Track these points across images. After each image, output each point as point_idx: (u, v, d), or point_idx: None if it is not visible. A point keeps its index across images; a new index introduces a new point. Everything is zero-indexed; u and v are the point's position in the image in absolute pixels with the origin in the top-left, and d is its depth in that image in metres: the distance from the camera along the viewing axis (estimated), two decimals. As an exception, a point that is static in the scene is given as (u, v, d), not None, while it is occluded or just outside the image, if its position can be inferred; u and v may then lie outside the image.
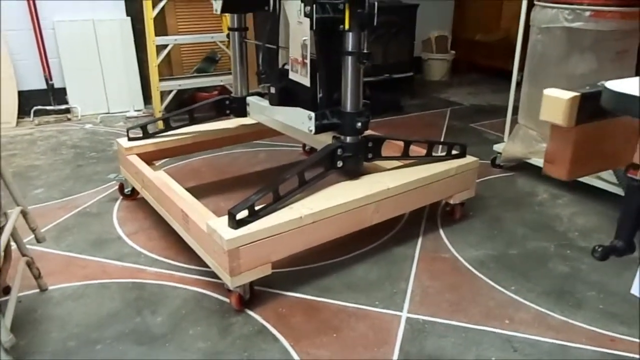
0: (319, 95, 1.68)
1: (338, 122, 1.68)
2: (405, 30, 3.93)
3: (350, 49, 1.58)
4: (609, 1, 2.07)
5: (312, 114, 1.66)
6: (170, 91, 3.42)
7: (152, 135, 2.20)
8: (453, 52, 4.91)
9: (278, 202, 1.54)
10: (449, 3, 5.18)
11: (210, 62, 3.81)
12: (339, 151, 1.68)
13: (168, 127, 2.23)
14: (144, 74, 3.72)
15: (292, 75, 1.71)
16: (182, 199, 1.73)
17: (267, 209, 1.51)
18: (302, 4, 1.54)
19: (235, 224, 1.42)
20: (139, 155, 2.12)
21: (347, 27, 1.53)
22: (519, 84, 2.58)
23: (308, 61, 1.59)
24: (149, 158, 2.16)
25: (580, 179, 2.29)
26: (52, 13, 3.42)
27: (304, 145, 2.85)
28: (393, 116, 3.66)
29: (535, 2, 2.32)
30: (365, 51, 1.57)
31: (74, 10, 3.47)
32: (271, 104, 1.85)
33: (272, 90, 1.79)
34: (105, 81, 3.65)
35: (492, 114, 3.70)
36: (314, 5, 1.51)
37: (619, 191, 2.15)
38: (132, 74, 3.71)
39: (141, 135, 2.18)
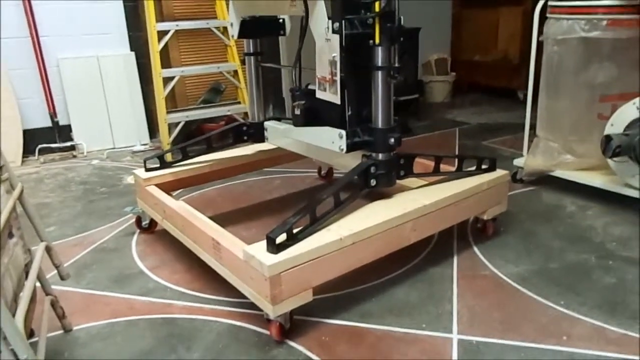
0: (348, 113, 1.63)
1: (369, 140, 1.63)
2: (409, 53, 3.95)
3: (380, 64, 1.54)
4: (625, 9, 2.07)
5: (343, 132, 1.61)
6: (177, 124, 3.38)
7: (170, 165, 2.14)
8: (453, 73, 4.95)
9: (315, 224, 1.47)
10: (446, 26, 5.25)
11: (215, 92, 3.79)
12: (372, 169, 1.62)
13: (185, 157, 2.17)
14: (149, 107, 3.70)
15: (319, 94, 1.66)
16: (210, 226, 1.66)
17: (305, 232, 1.44)
18: (330, 21, 1.51)
19: (275, 248, 1.35)
20: (157, 185, 2.05)
21: (377, 41, 1.50)
22: (523, 101, 2.55)
23: (338, 78, 1.55)
24: (167, 188, 2.09)
25: (607, 188, 2.25)
26: (57, 50, 3.40)
27: (319, 170, 2.80)
28: (403, 138, 3.62)
29: (549, 15, 2.32)
30: (396, 65, 1.53)
31: (78, 47, 3.45)
32: (295, 125, 1.80)
33: (297, 111, 1.74)
34: (110, 116, 3.61)
35: (502, 131, 3.68)
36: (343, 22, 1.48)
37: (651, 199, 2.11)
38: (137, 108, 3.67)
39: (158, 165, 2.12)
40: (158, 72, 3.19)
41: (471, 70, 5.07)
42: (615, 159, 2.06)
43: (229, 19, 2.04)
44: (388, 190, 1.73)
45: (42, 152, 3.44)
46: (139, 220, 2.20)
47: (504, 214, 2.06)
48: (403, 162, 1.71)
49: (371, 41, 1.52)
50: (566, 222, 2.15)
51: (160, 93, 3.22)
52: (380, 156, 1.64)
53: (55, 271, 1.48)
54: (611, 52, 2.19)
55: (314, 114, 1.75)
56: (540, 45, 2.42)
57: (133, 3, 3.55)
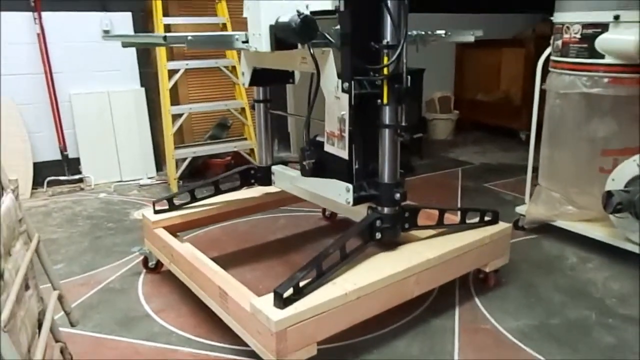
0: (355, 167, 1.68)
1: (376, 194, 1.68)
2: (414, 94, 4.03)
3: (387, 122, 1.60)
4: (626, 68, 2.13)
5: (350, 186, 1.65)
6: (185, 159, 3.43)
7: (178, 207, 2.18)
8: (457, 111, 5.02)
9: (322, 277, 1.50)
10: (450, 64, 5.35)
11: (222, 128, 3.86)
12: (378, 223, 1.66)
13: (193, 199, 2.21)
14: (157, 141, 3.76)
15: (327, 148, 1.71)
16: (217, 274, 1.69)
17: (311, 286, 1.47)
18: (340, 80, 1.57)
19: (282, 303, 1.38)
20: (165, 228, 2.09)
21: (385, 102, 1.56)
22: (525, 142, 2.60)
23: (347, 134, 1.60)
24: (175, 230, 2.13)
25: (608, 241, 2.28)
26: (69, 86, 3.48)
27: (324, 211, 2.84)
28: (406, 177, 3.66)
29: (551, 69, 2.39)
30: (403, 124, 1.59)
31: (90, 83, 3.53)
32: (303, 175, 1.85)
33: (305, 162, 1.79)
34: (118, 150, 3.66)
35: (504, 173, 3.72)
36: (352, 82, 1.54)
37: (651, 253, 2.13)
38: (145, 141, 3.73)
39: (167, 207, 2.16)
40: (167, 110, 3.26)
41: (474, 108, 5.15)
42: (616, 214, 2.10)
43: (241, 68, 2.10)
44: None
45: (51, 184, 3.48)
46: (145, 261, 2.22)
47: (506, 263, 2.09)
48: (408, 215, 1.75)
49: (379, 100, 1.57)
50: (567, 275, 2.18)
51: (169, 129, 3.29)
52: (386, 210, 1.68)
53: (63, 312, 1.50)
54: (612, 107, 2.25)
55: (322, 165, 1.80)
56: (542, 93, 2.48)
57: (146, 41, 3.64)
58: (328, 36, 1.44)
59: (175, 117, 3.39)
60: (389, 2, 1.46)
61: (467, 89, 5.23)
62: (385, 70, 1.51)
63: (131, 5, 3.58)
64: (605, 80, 2.17)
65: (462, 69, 5.34)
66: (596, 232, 2.34)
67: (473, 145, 4.72)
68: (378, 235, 1.67)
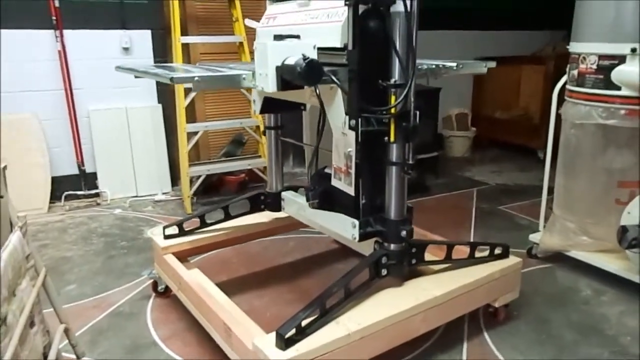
0: (362, 202, 1.67)
1: (382, 230, 1.67)
2: (429, 112, 4.00)
3: (394, 160, 1.59)
4: (643, 100, 2.08)
5: (356, 222, 1.65)
6: (199, 176, 3.47)
7: (188, 233, 2.20)
8: (474, 129, 4.98)
9: (325, 316, 1.49)
10: (468, 81, 5.30)
11: (237, 144, 3.89)
12: (384, 259, 1.65)
13: (203, 225, 2.23)
14: (173, 157, 3.79)
15: (334, 183, 1.71)
16: (222, 308, 1.69)
17: (314, 326, 1.46)
18: (347, 117, 1.57)
19: (284, 344, 1.37)
20: (174, 254, 2.11)
21: (392, 139, 1.55)
22: (542, 161, 2.56)
23: (353, 171, 1.60)
24: (184, 255, 2.15)
25: (623, 275, 2.23)
26: (88, 102, 3.55)
27: (335, 234, 2.83)
28: (420, 197, 3.65)
29: (567, 98, 2.35)
30: (410, 162, 1.58)
31: (109, 99, 3.59)
32: (311, 207, 1.85)
33: (310, 202, 1.79)
34: (135, 165, 3.71)
35: (520, 195, 3.67)
36: (360, 119, 1.53)
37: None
38: (161, 157, 3.78)
39: (177, 232, 2.18)
40: (183, 128, 3.29)
41: (491, 126, 5.09)
42: (631, 250, 2.05)
43: (252, 96, 2.11)
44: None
45: (68, 198, 3.55)
46: (155, 285, 2.25)
47: (516, 297, 2.05)
48: (415, 251, 1.73)
49: (386, 138, 1.57)
50: (580, 309, 2.13)
51: (184, 147, 3.32)
52: (392, 246, 1.67)
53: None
54: (629, 139, 2.20)
55: (329, 198, 1.79)
56: (559, 117, 2.43)
57: (163, 59, 3.69)
58: (334, 78, 1.44)
59: (192, 135, 3.43)
60: (397, 44, 1.45)
61: (485, 106, 5.18)
62: (393, 109, 1.50)
63: (150, 23, 3.64)
64: (622, 112, 2.13)
65: (480, 86, 5.29)
66: (611, 264, 2.29)
67: (490, 163, 4.66)
68: (384, 272, 1.66)
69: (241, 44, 3.51)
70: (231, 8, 3.51)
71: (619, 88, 2.12)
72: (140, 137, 3.70)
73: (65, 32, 3.40)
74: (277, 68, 1.37)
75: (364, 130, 1.55)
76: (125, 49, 3.59)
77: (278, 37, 1.47)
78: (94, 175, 3.64)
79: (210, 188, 3.73)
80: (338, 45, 1.55)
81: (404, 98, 1.48)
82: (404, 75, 1.49)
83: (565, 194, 2.45)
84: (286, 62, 1.34)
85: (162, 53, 3.69)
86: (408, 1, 1.41)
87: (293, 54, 1.37)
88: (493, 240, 2.82)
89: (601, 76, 2.16)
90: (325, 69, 1.54)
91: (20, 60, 3.33)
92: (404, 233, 1.64)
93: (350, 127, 1.56)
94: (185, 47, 3.56)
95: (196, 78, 1.33)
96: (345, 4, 1.45)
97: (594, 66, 2.18)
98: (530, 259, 2.58)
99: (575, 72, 2.28)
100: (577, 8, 2.28)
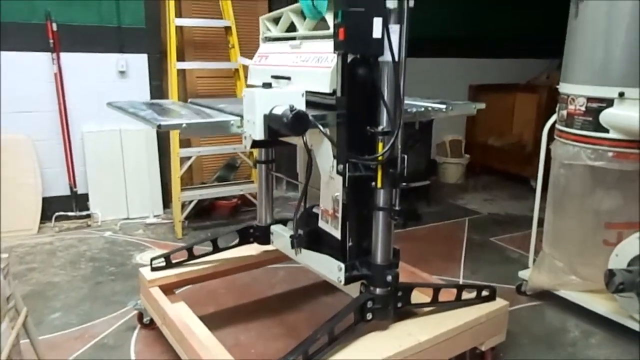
0: (349, 244, 1.67)
1: (368, 274, 1.66)
2: (422, 141, 4.03)
3: (381, 205, 1.59)
4: (631, 144, 2.10)
5: (342, 266, 1.64)
6: (192, 200, 3.46)
7: (176, 265, 2.19)
8: (467, 155, 4.99)
9: (307, 364, 1.48)
10: (462, 108, 5.33)
11: (230, 169, 3.89)
12: (369, 304, 1.64)
13: (191, 257, 2.22)
14: (166, 179, 3.79)
15: (322, 224, 1.71)
16: (205, 347, 1.68)
17: (296, 373, 1.45)
18: (335, 161, 1.58)
19: (264, 393, 1.36)
20: (161, 287, 2.09)
21: (379, 185, 1.56)
22: (533, 191, 2.57)
23: (340, 215, 1.60)
24: (170, 288, 2.14)
25: (611, 317, 2.23)
26: (82, 123, 3.55)
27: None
28: (412, 227, 3.64)
29: (556, 138, 2.37)
30: (396, 208, 1.58)
31: (103, 121, 3.60)
32: (296, 254, 1.84)
33: (300, 232, 1.79)
34: (127, 187, 3.71)
35: (512, 226, 3.68)
36: (347, 164, 1.54)
37: (656, 335, 2.07)
38: (154, 179, 3.77)
39: (164, 264, 2.17)
40: (176, 153, 3.30)
41: (485, 153, 5.12)
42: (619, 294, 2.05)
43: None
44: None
45: (59, 219, 3.53)
46: (140, 316, 2.23)
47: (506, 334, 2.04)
48: (401, 295, 1.72)
49: (373, 183, 1.57)
50: (567, 352, 2.12)
51: (177, 172, 3.32)
52: (378, 291, 1.66)
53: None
54: (617, 181, 2.21)
55: (316, 238, 1.79)
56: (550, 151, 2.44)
57: (158, 82, 3.71)
58: (321, 128, 1.45)
59: (185, 158, 3.43)
60: (385, 94, 1.47)
61: (478, 133, 5.21)
62: (380, 157, 1.51)
63: (147, 48, 3.67)
64: (610, 154, 2.14)
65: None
66: (600, 305, 2.29)
67: (483, 191, 4.68)
68: (369, 316, 1.65)
69: (237, 70, 3.54)
70: (227, 35, 3.54)
71: (607, 130, 2.14)
72: (134, 159, 3.69)
73: (62, 54, 3.42)
74: (265, 116, 1.38)
75: (352, 176, 1.55)
76: (122, 73, 3.61)
77: (266, 85, 1.47)
78: (85, 197, 3.63)
79: (202, 212, 3.72)
80: (327, 90, 1.56)
81: (391, 146, 1.48)
82: (391, 123, 1.50)
83: (555, 232, 2.45)
84: (273, 112, 1.35)
85: (158, 77, 3.72)
86: (396, 52, 1.43)
87: (281, 102, 1.38)
88: (483, 274, 2.86)
89: (590, 118, 2.18)
90: (314, 113, 1.56)
91: (16, 82, 3.34)
92: (389, 278, 1.64)
93: (338, 172, 1.56)
94: (182, 70, 3.58)
95: (184, 125, 1.33)
96: (335, 52, 1.46)
97: (583, 108, 2.20)
98: (520, 296, 2.58)
99: (564, 112, 2.31)
100: (567, 50, 2.31)
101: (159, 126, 1.34)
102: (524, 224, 3.60)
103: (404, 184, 1.58)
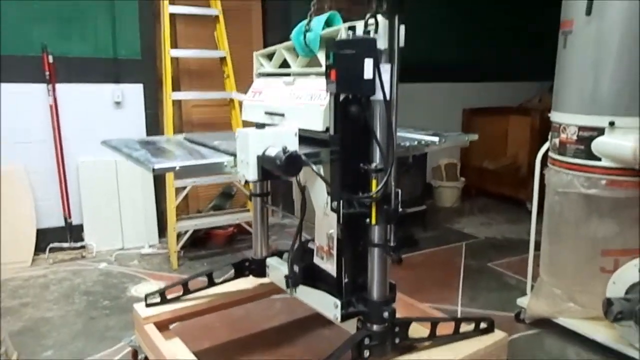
0: (345, 281, 1.66)
1: (364, 310, 1.65)
2: (418, 165, 4.04)
3: (376, 241, 1.58)
4: (624, 172, 2.11)
5: (338, 302, 1.63)
6: (187, 231, 3.45)
7: (170, 301, 2.16)
8: (463, 179, 5.01)
9: (304, 405, 1.46)
10: (457, 131, 5.36)
11: (226, 197, 3.88)
12: (366, 340, 1.62)
13: (186, 292, 2.20)
14: (161, 208, 3.78)
15: (317, 261, 1.71)
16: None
17: (292, 416, 1.43)
18: (329, 198, 1.58)
19: None
20: (156, 323, 2.07)
21: (373, 222, 1.55)
22: (529, 214, 2.57)
23: (335, 252, 1.59)
24: (166, 324, 2.11)
25: (610, 345, 2.21)
26: (77, 154, 3.55)
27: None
28: (409, 253, 3.63)
29: (550, 165, 2.38)
30: (391, 244, 1.57)
31: (99, 151, 3.57)
32: (290, 293, 1.83)
33: (295, 270, 1.78)
34: (122, 217, 3.69)
35: (509, 251, 3.67)
36: (341, 201, 1.54)
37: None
38: (150, 209, 3.76)
39: (159, 300, 2.15)
40: (171, 183, 3.30)
41: (480, 176, 5.14)
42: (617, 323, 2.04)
43: (238, 164, 2.12)
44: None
45: (53, 250, 3.50)
46: (135, 353, 2.19)
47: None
48: (398, 330, 1.71)
49: (368, 220, 1.57)
50: (567, 384, 2.10)
51: (172, 202, 3.32)
52: (375, 327, 1.64)
53: None
54: (612, 208, 2.21)
55: (311, 274, 1.78)
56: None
57: (153, 111, 3.73)
58: (314, 168, 1.46)
59: (180, 190, 3.42)
60: (377, 132, 1.48)
61: (473, 156, 5.23)
62: (375, 194, 1.51)
63: (143, 78, 3.69)
64: (603, 182, 2.15)
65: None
66: (599, 334, 2.27)
67: (479, 214, 4.68)
68: (367, 354, 1.63)
69: (232, 99, 3.56)
70: (223, 65, 3.57)
71: (599, 159, 2.16)
72: (129, 189, 3.69)
73: (58, 85, 3.44)
74: (258, 157, 1.38)
75: (346, 213, 1.55)
76: (117, 103, 3.62)
77: (260, 126, 1.48)
78: (80, 227, 3.60)
79: (198, 241, 3.70)
80: (320, 128, 1.57)
81: (385, 184, 1.48)
82: (384, 160, 1.51)
83: (551, 260, 2.45)
84: (267, 153, 1.36)
85: (153, 106, 3.74)
86: (387, 91, 1.44)
87: (274, 142, 1.39)
88: (481, 302, 2.84)
89: (582, 146, 2.20)
90: (308, 150, 1.57)
91: (11, 113, 3.34)
92: (386, 314, 1.63)
93: (332, 209, 1.56)
94: (177, 99, 3.59)
95: (177, 168, 1.34)
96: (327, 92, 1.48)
97: (574, 136, 2.22)
98: (518, 324, 2.56)
99: (556, 140, 2.32)
100: (557, 79, 2.34)
101: (153, 169, 1.34)
102: (521, 248, 3.59)
103: (400, 210, 1.58)
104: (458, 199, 4.98)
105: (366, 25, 1.46)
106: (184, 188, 3.45)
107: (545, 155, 2.46)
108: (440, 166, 4.99)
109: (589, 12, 2.07)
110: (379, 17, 1.44)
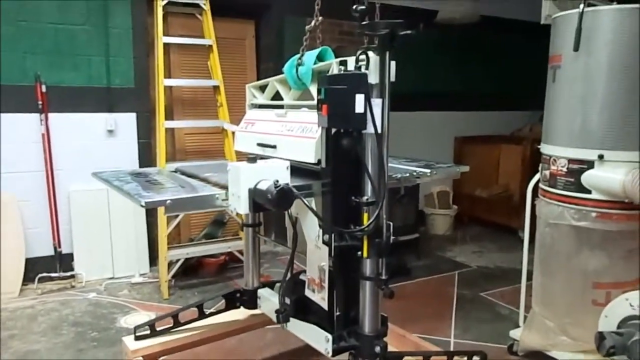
0: (336, 314, 1.65)
1: (356, 345, 1.63)
2: (410, 194, 4.06)
3: (368, 274, 1.58)
4: (614, 204, 2.13)
5: (330, 337, 1.62)
6: (178, 260, 3.41)
7: (160, 333, 2.13)
8: (455, 206, 5.02)
9: None
10: (449, 159, 5.41)
11: (218, 225, 3.87)
12: (358, 376, 1.60)
13: (176, 324, 2.17)
14: (152, 235, 3.75)
15: (308, 294, 1.69)
16: None
17: None
18: (321, 231, 1.58)
19: None
20: (145, 356, 2.03)
21: (365, 255, 1.55)
22: (521, 242, 2.57)
23: (326, 285, 1.58)
24: (155, 357, 2.08)
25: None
26: (69, 183, 3.54)
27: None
28: (401, 282, 3.60)
29: (541, 197, 2.40)
30: (383, 277, 1.57)
31: (91, 180, 3.56)
32: (284, 322, 1.81)
33: (286, 305, 1.76)
34: (112, 246, 3.65)
35: (501, 280, 3.65)
36: (333, 235, 1.54)
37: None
38: (141, 238, 3.73)
39: (148, 332, 2.12)
40: (162, 211, 3.27)
41: (473, 204, 5.16)
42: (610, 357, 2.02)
43: (230, 195, 2.12)
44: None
45: (42, 280, 3.45)
46: (123, 388, 2.15)
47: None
48: (390, 365, 1.69)
49: (359, 253, 1.57)
50: (562, 418, 2.07)
51: (163, 231, 3.30)
52: (366, 362, 1.63)
53: None
54: (602, 241, 2.22)
55: (303, 306, 1.76)
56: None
57: (146, 140, 3.74)
58: (306, 202, 1.46)
59: (172, 217, 3.41)
60: (369, 166, 1.49)
61: (466, 184, 5.25)
62: (366, 228, 1.51)
63: (136, 106, 3.71)
64: (593, 214, 2.17)
65: (461, 163, 5.39)
66: (592, 367, 2.26)
67: (471, 242, 4.68)
68: (358, 390, 1.61)
69: (225, 128, 3.58)
70: (216, 94, 3.60)
71: (589, 191, 2.17)
72: (120, 217, 3.66)
73: (51, 115, 3.44)
74: (250, 190, 1.39)
75: (338, 245, 1.55)
76: (110, 131, 3.63)
77: (251, 160, 1.49)
78: (70, 256, 3.56)
79: (189, 270, 3.66)
80: (312, 161, 1.58)
81: (377, 217, 1.49)
82: (376, 194, 1.51)
83: (543, 292, 2.44)
84: (258, 187, 1.36)
85: (146, 135, 3.74)
86: (378, 124, 1.46)
87: (266, 176, 1.39)
88: (474, 333, 2.82)
89: (572, 179, 2.21)
90: (299, 182, 1.57)
91: (3, 142, 3.34)
92: (378, 348, 1.61)
93: (324, 242, 1.56)
94: (170, 128, 3.61)
95: (168, 202, 1.33)
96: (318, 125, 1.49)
97: (564, 169, 2.24)
98: (511, 356, 2.54)
99: (547, 172, 2.35)
100: (546, 112, 2.38)
101: (145, 204, 1.34)
102: (513, 277, 3.58)
103: (393, 238, 1.57)
104: (450, 227, 4.99)
105: (357, 60, 1.49)
106: (177, 216, 3.44)
107: (536, 186, 2.48)
108: (432, 194, 5.01)
109: (576, 47, 2.12)
110: (370, 53, 1.47)
